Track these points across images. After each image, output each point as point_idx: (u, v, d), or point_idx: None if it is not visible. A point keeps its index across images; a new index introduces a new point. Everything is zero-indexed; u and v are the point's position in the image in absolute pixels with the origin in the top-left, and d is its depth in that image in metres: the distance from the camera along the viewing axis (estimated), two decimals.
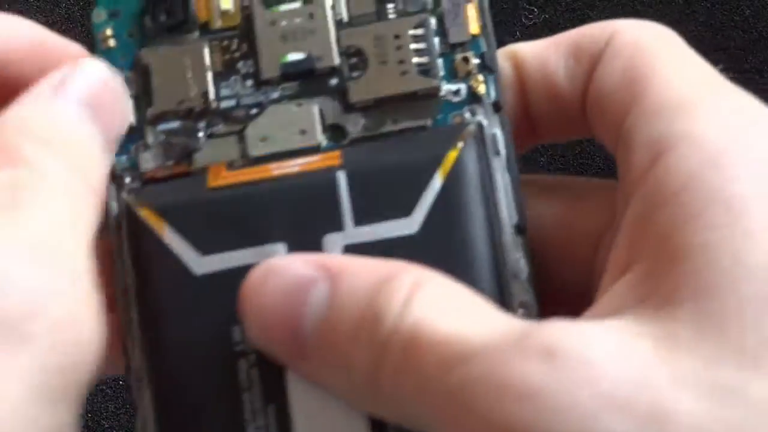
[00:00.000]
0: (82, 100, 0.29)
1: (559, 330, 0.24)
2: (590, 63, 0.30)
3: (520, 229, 0.30)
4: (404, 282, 0.26)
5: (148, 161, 0.31)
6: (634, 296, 0.25)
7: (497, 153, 0.30)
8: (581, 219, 0.31)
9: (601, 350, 0.24)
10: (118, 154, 0.31)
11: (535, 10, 0.61)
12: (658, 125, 0.27)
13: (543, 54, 0.31)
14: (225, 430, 0.29)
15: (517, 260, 0.29)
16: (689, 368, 0.24)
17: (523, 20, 0.55)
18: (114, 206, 0.31)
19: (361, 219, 0.29)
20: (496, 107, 0.30)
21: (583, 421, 0.23)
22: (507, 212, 0.30)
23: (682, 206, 0.25)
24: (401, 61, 0.31)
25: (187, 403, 0.29)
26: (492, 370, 0.24)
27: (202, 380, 0.29)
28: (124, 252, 0.30)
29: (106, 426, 0.69)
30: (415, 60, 0.31)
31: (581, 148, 0.53)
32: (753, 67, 0.28)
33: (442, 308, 0.26)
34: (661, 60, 0.29)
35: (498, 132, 0.30)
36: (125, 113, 0.31)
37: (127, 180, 0.31)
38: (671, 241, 0.25)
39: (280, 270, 0.28)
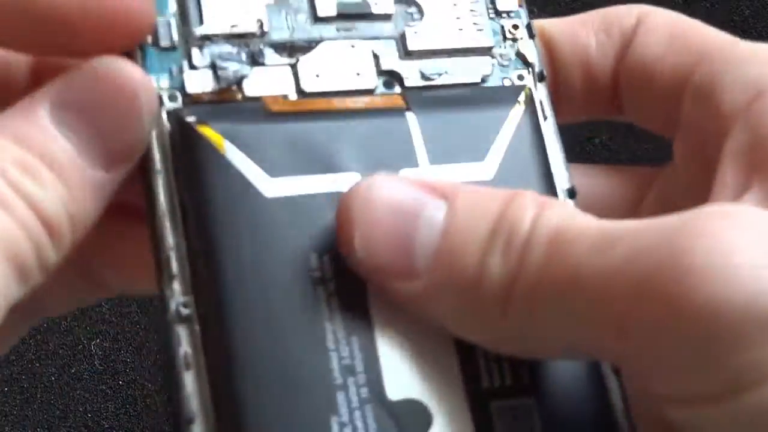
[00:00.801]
0: (61, 112, 0.27)
1: (728, 204, 0.25)
2: (622, 38, 0.31)
3: (571, 192, 0.30)
4: (530, 199, 0.26)
5: (195, 83, 0.29)
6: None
7: (545, 118, 0.31)
8: (614, 192, 0.32)
9: None
10: (160, 71, 0.29)
11: (535, 10, 0.61)
12: (749, 70, 0.28)
13: (572, 29, 0.31)
14: (308, 361, 0.27)
15: None
16: None
17: None
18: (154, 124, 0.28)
19: (435, 158, 0.29)
20: (541, 77, 0.31)
21: None
22: (560, 176, 0.30)
23: None
24: (458, 18, 0.31)
25: (262, 334, 0.27)
26: (671, 236, 0.24)
27: (278, 308, 0.27)
28: (169, 172, 0.28)
29: (106, 426, 0.69)
30: (472, 18, 0.31)
31: (581, 147, 0.53)
32: None
33: (577, 216, 0.25)
34: (705, 30, 0.30)
35: (545, 98, 0.31)
36: (133, 123, 0.27)
37: (167, 100, 0.29)
38: None
39: (389, 185, 0.27)
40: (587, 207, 0.30)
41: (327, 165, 0.28)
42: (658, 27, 0.30)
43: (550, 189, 0.30)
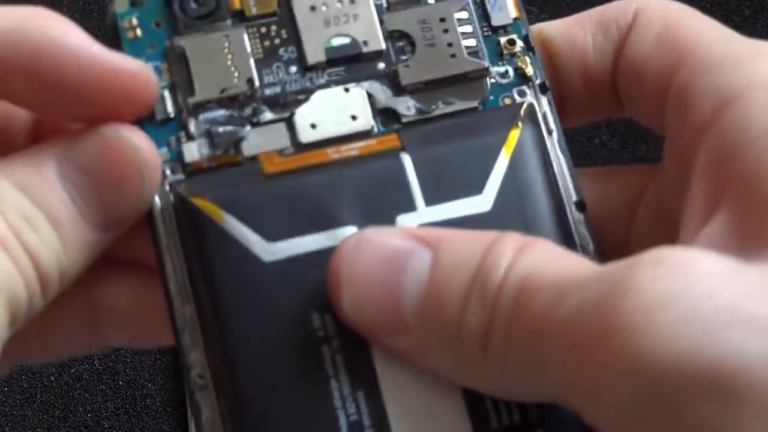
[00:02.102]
0: (67, 169, 0.27)
1: (667, 249, 0.24)
2: (619, 37, 0.30)
3: (580, 205, 0.30)
4: (509, 244, 0.26)
5: (193, 152, 0.29)
6: (730, 240, 0.25)
7: (550, 132, 0.30)
8: (612, 196, 0.31)
9: (715, 264, 0.24)
10: (158, 145, 0.29)
11: (534, 9, 0.61)
12: (721, 75, 0.27)
13: (570, 31, 0.31)
14: (316, 421, 0.27)
15: (584, 236, 0.30)
16: None
17: None
18: (157, 199, 0.29)
19: (432, 198, 0.29)
20: (543, 88, 0.31)
21: (709, 335, 0.22)
22: (567, 189, 0.30)
23: None
24: (450, 44, 0.31)
25: (270, 397, 0.27)
26: (606, 290, 0.24)
27: (284, 371, 0.28)
28: (174, 247, 0.29)
29: (106, 426, 0.69)
30: (464, 42, 0.31)
31: (581, 147, 0.53)
32: None
33: (549, 261, 0.26)
34: (696, 25, 0.29)
35: (549, 112, 0.31)
36: (133, 195, 0.28)
37: (169, 172, 0.29)
38: (765, 179, 0.25)
39: (375, 240, 0.27)
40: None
41: (324, 222, 0.28)
42: (652, 22, 0.30)
43: (556, 207, 0.30)
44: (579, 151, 0.56)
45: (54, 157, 0.27)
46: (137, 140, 0.28)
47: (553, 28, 0.31)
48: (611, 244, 0.30)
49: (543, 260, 0.26)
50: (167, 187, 0.29)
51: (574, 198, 0.30)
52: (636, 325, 0.23)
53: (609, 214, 0.31)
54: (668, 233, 0.29)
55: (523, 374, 0.25)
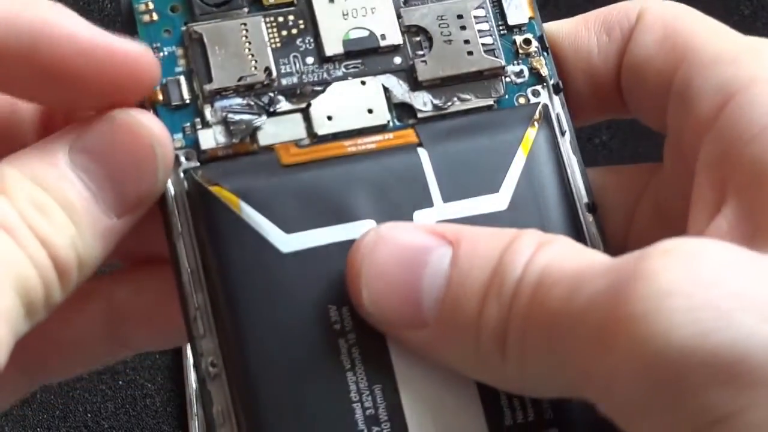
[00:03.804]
0: (79, 156, 0.27)
1: (677, 239, 0.24)
2: (622, 37, 0.30)
3: (591, 207, 0.30)
4: (528, 241, 0.26)
5: (209, 139, 0.29)
6: (738, 234, 0.25)
7: (563, 133, 0.30)
8: (611, 196, 0.31)
9: (724, 253, 0.24)
10: (172, 131, 0.29)
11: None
12: (721, 72, 0.27)
13: (575, 32, 0.31)
14: (332, 414, 0.27)
15: (595, 237, 0.30)
16: None
17: None
18: (170, 187, 0.29)
19: (449, 195, 0.29)
20: (557, 89, 0.31)
21: (718, 320, 0.22)
22: (579, 191, 0.30)
23: None
24: (467, 41, 0.31)
25: (285, 389, 0.27)
26: (618, 279, 0.24)
27: (300, 363, 0.27)
28: (188, 234, 0.28)
29: (106, 426, 0.69)
30: (481, 40, 0.31)
31: (581, 148, 0.53)
32: None
33: (566, 256, 0.26)
34: (697, 24, 0.29)
35: (562, 112, 0.31)
36: (148, 174, 0.28)
37: (183, 159, 0.29)
38: None
39: (394, 235, 0.27)
40: None
41: (341, 215, 0.28)
42: (654, 24, 0.30)
43: (569, 207, 0.30)
44: (581, 149, 0.56)
45: (64, 145, 0.27)
46: (148, 120, 0.28)
47: (558, 29, 0.31)
48: (611, 244, 0.30)
49: (560, 255, 0.26)
50: (181, 174, 0.29)
51: (585, 200, 0.30)
52: (647, 312, 0.23)
53: (608, 214, 0.31)
54: (668, 233, 0.29)
55: (540, 370, 0.25)
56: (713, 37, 0.29)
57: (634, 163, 0.32)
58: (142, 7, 0.30)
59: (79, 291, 0.27)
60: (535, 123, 0.30)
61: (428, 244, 0.27)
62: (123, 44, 0.27)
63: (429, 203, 0.29)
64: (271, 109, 0.30)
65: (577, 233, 0.29)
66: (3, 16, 0.27)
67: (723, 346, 0.22)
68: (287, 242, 0.28)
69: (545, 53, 0.31)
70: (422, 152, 0.29)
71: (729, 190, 0.26)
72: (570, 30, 0.31)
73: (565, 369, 0.25)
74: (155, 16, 0.30)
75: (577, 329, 0.24)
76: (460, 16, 0.31)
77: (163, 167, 0.28)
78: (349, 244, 0.28)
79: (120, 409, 0.70)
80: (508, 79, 0.31)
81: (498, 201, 0.29)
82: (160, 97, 0.29)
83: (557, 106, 0.31)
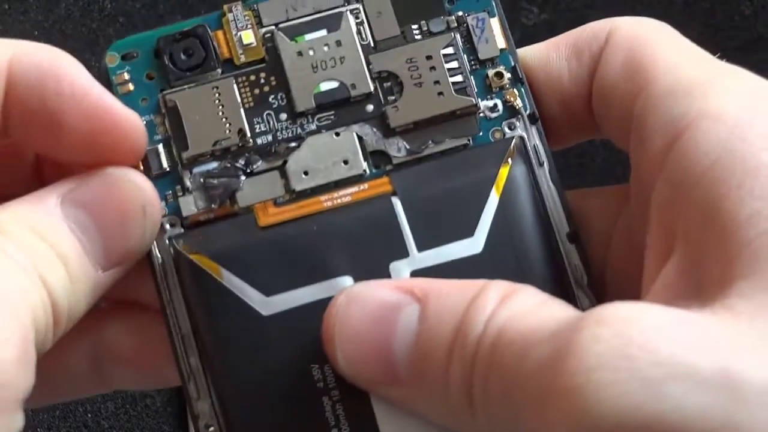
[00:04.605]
0: (71, 208, 0.28)
1: (612, 305, 0.24)
2: (592, 61, 0.30)
3: (573, 236, 0.30)
4: (492, 295, 0.26)
5: (190, 205, 0.30)
6: (687, 282, 0.25)
7: (541, 164, 0.30)
8: (593, 217, 0.31)
9: (654, 318, 0.24)
10: None
11: (535, 10, 0.61)
12: (671, 107, 0.27)
13: (545, 57, 0.31)
14: None
15: (576, 267, 0.30)
16: (753, 335, 0.23)
17: (523, 21, 0.55)
18: (158, 254, 0.30)
19: (423, 243, 0.29)
20: (533, 118, 0.31)
21: (645, 392, 0.23)
22: (559, 222, 0.30)
23: (718, 181, 0.25)
24: (437, 82, 0.31)
25: None
26: (555, 350, 0.24)
27: (287, 422, 0.28)
28: (176, 301, 0.29)
29: (106, 426, 0.69)
30: (451, 79, 0.31)
31: (581, 148, 0.53)
32: (753, 67, 0.28)
33: (525, 313, 0.26)
34: (661, 49, 0.29)
35: (539, 143, 0.30)
36: (136, 233, 0.28)
37: (168, 226, 0.30)
38: (715, 217, 0.25)
39: (365, 296, 0.28)
40: None
41: (319, 273, 0.29)
42: (620, 47, 0.29)
43: (546, 241, 0.30)
44: (579, 152, 0.56)
45: (59, 197, 0.28)
46: (140, 179, 0.29)
47: (530, 55, 0.31)
48: (593, 269, 0.30)
49: (519, 312, 0.26)
50: (166, 241, 0.30)
51: (566, 229, 0.30)
52: (578, 386, 0.23)
53: (589, 239, 0.31)
54: (638, 259, 0.29)
55: (505, 424, 0.26)
56: (674, 64, 0.28)
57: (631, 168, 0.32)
58: (119, 78, 0.30)
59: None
60: (509, 159, 0.30)
61: (397, 302, 0.27)
62: (123, 111, 0.28)
63: (404, 253, 0.29)
64: (248, 170, 0.30)
65: (556, 267, 0.30)
66: (25, 51, 0.28)
67: (653, 418, 0.22)
68: (268, 305, 0.29)
69: (519, 84, 0.31)
70: (396, 201, 0.29)
71: (678, 236, 0.26)
72: (541, 55, 0.31)
73: (520, 426, 0.25)
74: (131, 86, 0.30)
75: (525, 392, 0.24)
76: (429, 57, 0.31)
77: (150, 226, 0.29)
78: (328, 301, 0.28)
79: (120, 409, 0.70)
80: (482, 115, 0.31)
81: (473, 245, 0.29)
82: (141, 167, 0.30)
83: (534, 137, 0.31)
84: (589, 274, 0.30)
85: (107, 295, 0.29)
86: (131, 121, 0.28)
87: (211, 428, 0.29)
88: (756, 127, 0.26)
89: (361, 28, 0.31)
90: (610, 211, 0.31)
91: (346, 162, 0.30)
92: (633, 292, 0.28)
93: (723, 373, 0.22)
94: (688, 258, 0.25)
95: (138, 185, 0.28)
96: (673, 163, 0.26)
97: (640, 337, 0.23)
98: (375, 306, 0.27)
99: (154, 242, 0.30)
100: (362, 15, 0.31)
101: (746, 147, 0.25)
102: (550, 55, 0.31)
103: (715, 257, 0.25)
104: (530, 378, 0.24)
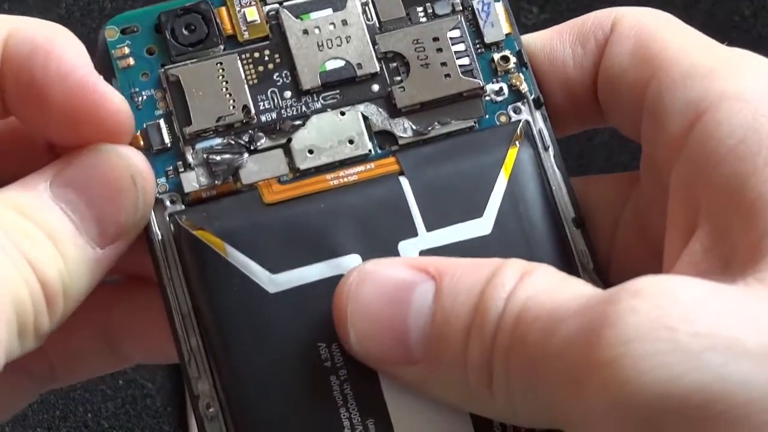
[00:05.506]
0: (61, 188, 0.27)
1: (647, 278, 0.24)
2: (597, 49, 0.30)
3: (578, 221, 0.30)
4: (510, 273, 0.26)
5: (192, 181, 0.30)
6: (713, 258, 0.25)
7: (546, 148, 0.30)
8: (598, 204, 0.31)
9: (691, 290, 0.24)
10: (155, 176, 0.29)
11: (535, 10, 0.61)
12: (689, 90, 0.27)
13: (549, 44, 0.31)
14: None
15: (583, 252, 0.30)
16: None
17: (523, 20, 0.55)
18: (158, 231, 0.29)
19: (432, 223, 0.29)
20: (537, 103, 0.31)
21: (686, 363, 0.22)
22: (565, 206, 0.30)
23: (743, 159, 0.25)
24: (444, 64, 0.30)
25: (279, 429, 0.28)
26: (589, 323, 0.24)
27: (294, 401, 0.28)
28: (177, 278, 0.29)
29: (106, 426, 0.69)
30: (458, 61, 0.30)
31: (581, 148, 0.53)
32: None
33: (546, 289, 0.26)
34: (670, 36, 0.29)
35: (544, 127, 0.30)
36: (128, 205, 0.28)
37: (168, 203, 0.29)
38: (743, 194, 0.25)
39: (378, 274, 0.27)
40: None
41: (326, 251, 0.28)
42: (628, 34, 0.29)
43: (554, 225, 0.30)
44: (579, 152, 0.56)
45: (45, 179, 0.28)
46: (127, 151, 0.28)
47: (534, 42, 0.31)
48: (599, 255, 0.30)
49: (540, 289, 0.26)
50: (167, 218, 0.29)
51: (572, 214, 0.30)
52: (616, 358, 0.23)
53: (594, 225, 0.31)
54: (647, 244, 0.29)
55: (527, 404, 0.25)
56: (686, 49, 0.28)
57: (634, 163, 0.32)
58: (119, 52, 0.30)
59: (81, 304, 0.28)
60: (516, 142, 0.30)
61: (411, 281, 0.27)
62: (107, 91, 0.28)
63: (413, 233, 0.29)
64: (252, 147, 0.30)
65: (564, 251, 0.30)
66: (23, 26, 0.27)
67: (694, 388, 0.22)
68: (274, 282, 0.28)
69: (524, 68, 0.31)
70: (404, 181, 0.29)
71: (702, 213, 0.26)
72: (545, 42, 0.31)
73: (548, 405, 0.25)
74: (132, 61, 0.30)
75: (554, 370, 0.24)
76: (436, 39, 0.31)
77: (143, 197, 0.28)
78: (336, 279, 0.28)
79: (120, 409, 0.70)
80: (488, 98, 0.31)
81: (482, 226, 0.29)
82: (141, 142, 0.30)
83: (539, 121, 0.31)
84: (594, 259, 0.30)
85: (122, 270, 0.28)
86: (115, 102, 0.28)
87: (211, 409, 0.28)
88: None
89: (367, 8, 0.31)
90: (617, 198, 0.31)
91: (351, 141, 0.30)
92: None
93: (762, 345, 0.22)
94: (715, 235, 0.25)
95: (125, 157, 0.28)
96: (695, 144, 0.26)
97: (680, 309, 0.23)
98: (389, 284, 0.27)
99: (153, 219, 0.29)
100: None
101: None
102: (554, 43, 0.31)
103: (743, 233, 0.25)
104: (560, 355, 0.24)
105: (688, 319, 0.23)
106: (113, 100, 0.28)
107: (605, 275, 0.30)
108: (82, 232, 0.27)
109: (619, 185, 0.31)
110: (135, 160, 0.28)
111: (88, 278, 0.28)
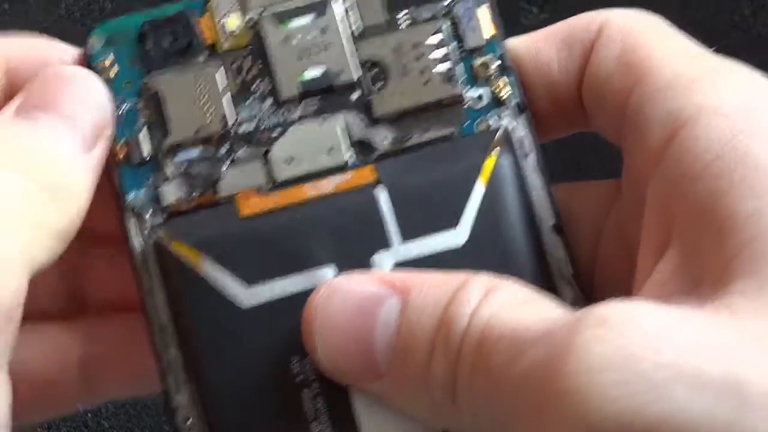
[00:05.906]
0: (24, 110, 0.28)
1: (612, 304, 0.24)
2: (583, 53, 0.30)
3: (558, 229, 0.30)
4: (475, 289, 0.26)
5: (170, 194, 0.30)
6: (683, 278, 0.25)
7: (526, 155, 0.30)
8: (581, 210, 0.31)
9: (656, 319, 0.23)
10: (135, 188, 0.30)
11: (535, 10, 0.61)
12: (668, 101, 0.27)
13: (535, 48, 0.30)
14: None
15: (561, 260, 0.30)
16: (755, 335, 0.23)
17: (522, 20, 0.55)
18: (137, 243, 0.29)
19: (407, 234, 0.29)
20: (520, 108, 0.30)
21: (650, 393, 0.22)
22: (544, 214, 0.30)
23: (719, 176, 0.25)
24: (423, 71, 0.30)
25: None
26: (553, 351, 0.23)
27: (266, 416, 0.28)
28: (156, 290, 0.29)
29: (106, 426, 0.69)
30: (437, 68, 0.30)
31: (577, 149, 0.53)
32: (753, 67, 0.28)
33: (511, 307, 0.25)
34: (656, 43, 0.29)
35: (525, 134, 0.30)
36: (96, 102, 0.29)
37: (148, 215, 0.30)
38: (715, 212, 0.24)
39: (345, 289, 0.27)
40: None
41: (301, 263, 0.28)
42: (614, 40, 0.29)
43: (532, 235, 0.29)
44: (575, 153, 0.56)
45: (8, 109, 0.28)
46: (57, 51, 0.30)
47: (519, 45, 0.31)
48: (581, 263, 0.30)
49: (505, 307, 0.25)
50: (145, 231, 0.29)
51: (551, 221, 0.30)
52: (579, 387, 0.23)
53: (577, 233, 0.30)
54: (629, 255, 0.28)
55: (492, 423, 0.25)
56: (670, 57, 0.28)
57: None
58: (100, 65, 0.30)
59: (57, 336, 0.29)
60: (495, 150, 0.29)
61: (379, 295, 0.27)
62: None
63: (388, 244, 0.29)
64: (231, 158, 0.30)
65: (540, 260, 0.29)
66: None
67: (658, 419, 0.22)
68: (248, 296, 0.28)
69: (507, 73, 0.30)
70: (380, 191, 0.29)
71: (675, 230, 0.25)
72: (530, 45, 0.30)
73: (511, 427, 0.25)
74: (115, 71, 0.30)
75: (516, 396, 0.24)
76: (415, 45, 0.30)
77: (94, 94, 0.29)
78: (310, 293, 0.28)
79: (120, 409, 0.70)
80: (468, 105, 0.30)
81: (457, 236, 0.29)
82: (121, 156, 0.30)
83: (520, 128, 0.30)
84: (574, 266, 0.30)
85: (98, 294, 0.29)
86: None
87: (189, 420, 0.28)
88: (757, 123, 0.25)
89: (348, 14, 0.31)
90: (601, 205, 0.30)
91: (330, 151, 0.30)
92: (623, 287, 0.27)
93: (727, 376, 0.22)
94: (686, 254, 0.25)
95: (65, 68, 0.29)
96: (672, 159, 0.26)
97: (645, 338, 0.23)
98: (356, 299, 0.27)
99: (132, 231, 0.29)
100: (349, 1, 0.31)
101: (750, 143, 0.25)
102: (539, 46, 0.30)
103: (714, 254, 0.24)
104: (523, 381, 0.24)
105: (653, 349, 0.23)
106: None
107: (587, 283, 0.30)
108: (64, 141, 0.28)
109: (604, 192, 0.31)
110: (65, 53, 0.30)
111: (85, 179, 0.28)
